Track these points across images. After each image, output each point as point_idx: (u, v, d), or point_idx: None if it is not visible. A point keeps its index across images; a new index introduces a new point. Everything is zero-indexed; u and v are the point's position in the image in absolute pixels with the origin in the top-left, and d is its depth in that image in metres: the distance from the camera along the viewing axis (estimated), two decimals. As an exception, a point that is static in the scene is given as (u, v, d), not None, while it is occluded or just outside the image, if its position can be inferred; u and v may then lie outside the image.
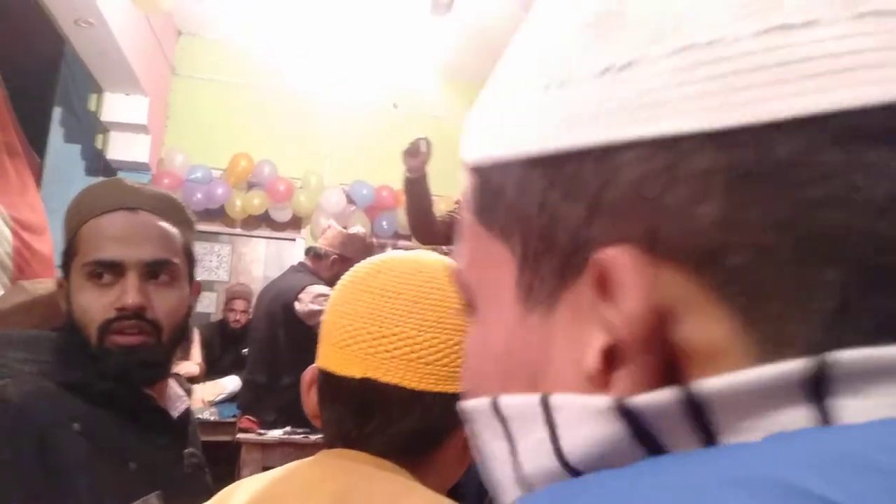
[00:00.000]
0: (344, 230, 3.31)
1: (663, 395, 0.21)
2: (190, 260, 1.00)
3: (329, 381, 0.63)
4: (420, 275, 0.62)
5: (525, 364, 0.26)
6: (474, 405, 0.29)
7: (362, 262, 0.67)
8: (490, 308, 0.28)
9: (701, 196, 0.21)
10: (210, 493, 0.69)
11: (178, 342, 0.97)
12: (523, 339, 0.26)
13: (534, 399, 0.24)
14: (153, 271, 0.92)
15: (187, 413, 1.00)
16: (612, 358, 0.22)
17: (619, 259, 0.22)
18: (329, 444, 0.64)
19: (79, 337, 0.90)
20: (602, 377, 0.22)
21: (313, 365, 0.66)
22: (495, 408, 0.26)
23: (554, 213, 0.24)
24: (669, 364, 0.21)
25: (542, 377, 0.25)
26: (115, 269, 0.90)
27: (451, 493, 0.68)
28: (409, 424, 0.60)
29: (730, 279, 0.20)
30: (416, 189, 2.57)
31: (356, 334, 0.60)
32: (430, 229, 2.72)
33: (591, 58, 0.23)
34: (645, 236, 0.22)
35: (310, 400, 0.67)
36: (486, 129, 0.28)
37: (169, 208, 1.00)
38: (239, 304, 4.28)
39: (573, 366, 0.23)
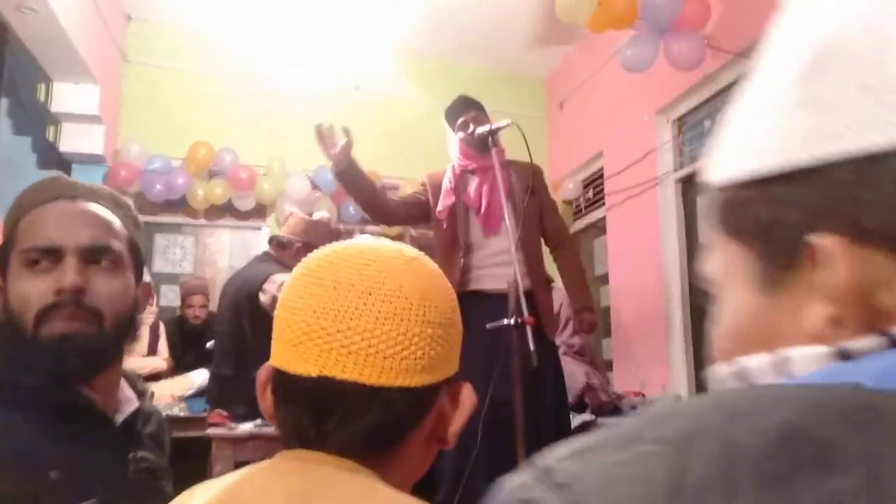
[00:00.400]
0: (307, 217, 3.25)
1: (871, 340, 0.30)
2: (135, 254, 0.95)
3: (283, 380, 0.59)
4: (374, 265, 0.59)
5: (760, 334, 0.35)
6: (717, 371, 0.37)
7: (312, 253, 0.63)
8: (732, 295, 0.37)
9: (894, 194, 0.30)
10: (164, 499, 0.65)
11: (123, 335, 0.90)
12: (758, 315, 0.35)
13: (770, 357, 0.33)
14: (93, 256, 0.87)
15: (136, 415, 0.94)
16: (830, 320, 0.32)
17: (833, 246, 0.31)
18: (286, 444, 0.61)
19: (14, 329, 0.84)
20: (824, 334, 0.32)
21: (267, 363, 0.63)
22: (738, 369, 0.35)
23: (780, 218, 0.34)
24: (873, 320, 0.31)
25: (774, 341, 0.34)
26: (53, 255, 0.85)
27: (420, 483, 0.66)
28: (370, 421, 0.57)
29: None
30: (348, 179, 2.54)
31: (309, 330, 0.57)
32: (384, 211, 2.68)
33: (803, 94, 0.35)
34: (850, 227, 0.31)
35: (265, 400, 0.64)
36: (730, 155, 0.38)
37: (111, 201, 0.96)
38: (197, 300, 4.19)
39: (799, 330, 0.33)
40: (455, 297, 0.64)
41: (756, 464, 0.23)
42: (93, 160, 4.40)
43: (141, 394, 0.98)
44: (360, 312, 0.56)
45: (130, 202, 1.02)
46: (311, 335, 0.57)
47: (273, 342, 0.61)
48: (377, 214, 2.68)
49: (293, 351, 0.58)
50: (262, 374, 0.64)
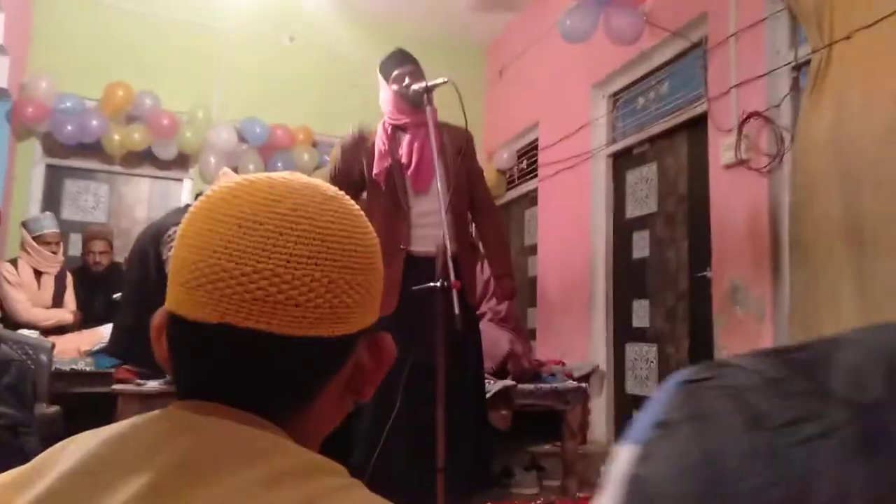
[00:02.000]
0: (241, 178, 3.12)
1: None
2: None
3: (180, 327, 0.53)
4: (286, 201, 0.52)
5: None
6: None
7: (216, 186, 0.56)
8: None
9: None
10: (25, 456, 0.58)
11: None
12: None
13: None
14: None
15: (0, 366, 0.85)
16: None
17: None
18: (181, 395, 0.54)
19: None
20: None
21: (162, 308, 0.56)
22: None
23: None
24: None
25: None
26: None
27: (335, 444, 0.61)
28: (276, 374, 0.51)
29: None
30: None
31: (209, 272, 0.50)
32: (351, 180, 2.56)
33: None
34: None
35: (160, 347, 0.57)
36: None
37: None
38: (97, 245, 3.94)
39: None
40: (376, 239, 0.58)
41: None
42: (-5, 93, 4.04)
43: (7, 341, 0.89)
44: (268, 254, 0.50)
45: None
46: (211, 277, 0.50)
47: (169, 285, 0.54)
48: (341, 186, 2.54)
49: (190, 295, 0.51)
50: (157, 318, 0.57)
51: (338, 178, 2.48)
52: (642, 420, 0.34)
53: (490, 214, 2.73)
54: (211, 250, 0.51)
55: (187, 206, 3.10)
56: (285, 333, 0.50)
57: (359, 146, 2.46)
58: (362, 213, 0.58)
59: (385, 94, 2.55)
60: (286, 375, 0.52)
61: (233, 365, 0.51)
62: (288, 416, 0.53)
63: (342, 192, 0.58)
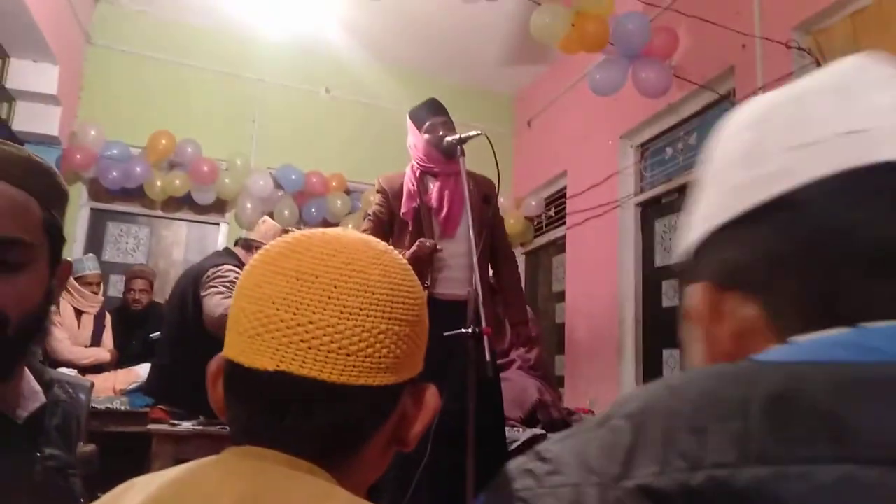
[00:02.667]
0: (281, 227, 3.23)
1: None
2: (53, 237, 0.84)
3: (237, 374, 0.56)
4: (339, 255, 0.56)
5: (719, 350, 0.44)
6: None
7: (275, 241, 0.60)
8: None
9: None
10: (75, 499, 0.60)
11: (30, 335, 0.81)
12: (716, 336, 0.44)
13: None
14: None
15: (43, 410, 0.86)
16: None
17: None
18: (235, 441, 0.57)
19: None
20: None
21: (220, 355, 0.59)
22: None
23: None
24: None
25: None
26: None
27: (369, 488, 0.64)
28: (329, 421, 0.54)
29: None
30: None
31: (268, 322, 0.54)
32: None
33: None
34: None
35: (216, 393, 0.60)
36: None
37: (28, 173, 0.81)
38: (138, 284, 4.07)
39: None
40: (423, 293, 0.62)
41: (686, 419, 0.33)
42: (47, 141, 4.24)
43: (47, 385, 0.89)
44: (323, 305, 0.53)
45: (53, 167, 0.88)
46: (270, 327, 0.54)
47: (227, 332, 0.58)
48: None
49: (250, 343, 0.54)
50: (214, 365, 0.60)
51: (378, 228, 2.56)
52: None
53: (509, 263, 2.78)
54: (270, 301, 0.55)
55: (227, 249, 3.20)
56: (337, 382, 0.53)
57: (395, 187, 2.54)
58: (410, 268, 0.62)
59: (415, 139, 2.63)
60: (337, 423, 0.54)
61: (287, 412, 0.54)
62: (337, 463, 0.55)
63: (391, 248, 0.62)
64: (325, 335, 0.53)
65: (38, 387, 0.87)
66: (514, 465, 0.39)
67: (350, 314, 0.54)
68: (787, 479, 0.29)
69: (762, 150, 0.42)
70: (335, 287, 0.54)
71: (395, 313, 0.57)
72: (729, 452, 0.30)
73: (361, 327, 0.54)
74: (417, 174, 2.61)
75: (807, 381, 0.32)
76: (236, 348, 0.56)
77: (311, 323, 0.53)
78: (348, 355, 0.54)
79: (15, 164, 0.80)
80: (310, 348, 0.53)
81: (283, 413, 0.54)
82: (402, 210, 2.55)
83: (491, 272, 2.77)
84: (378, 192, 2.70)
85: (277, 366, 0.53)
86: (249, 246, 3.08)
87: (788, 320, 0.38)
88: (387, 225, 2.61)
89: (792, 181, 0.39)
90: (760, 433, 0.30)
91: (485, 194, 2.59)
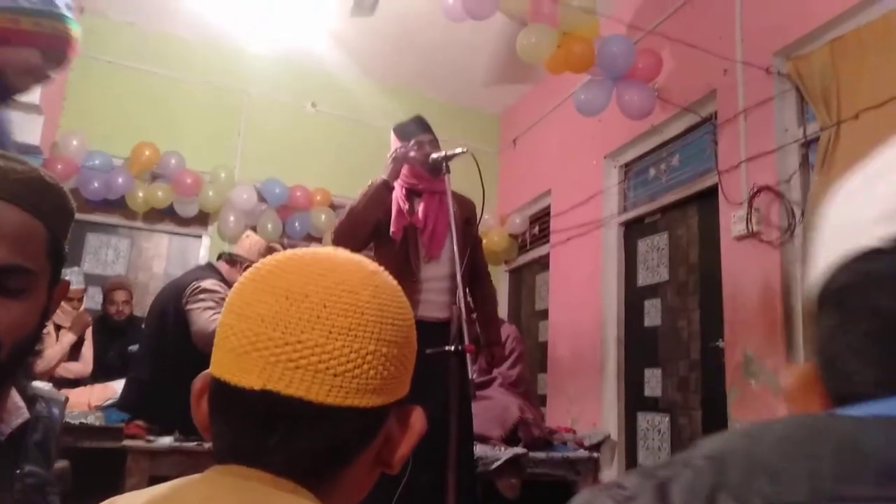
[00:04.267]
0: (265, 241, 3.21)
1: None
2: (55, 260, 0.83)
3: (223, 392, 0.55)
4: (330, 275, 0.56)
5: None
6: None
7: (265, 259, 0.59)
8: None
9: None
10: None
11: (21, 359, 0.81)
12: None
13: None
14: (1, 280, 0.76)
15: (26, 426, 0.85)
16: None
17: None
18: (219, 459, 0.56)
19: None
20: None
21: (205, 372, 0.59)
22: None
23: None
24: None
25: None
26: None
27: None
28: (315, 442, 0.53)
29: None
30: (383, 194, 2.44)
31: (256, 340, 0.53)
32: (365, 234, 2.57)
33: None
34: None
35: (200, 411, 0.59)
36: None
37: (37, 193, 0.80)
38: (119, 296, 4.01)
39: None
40: (412, 315, 0.62)
41: (763, 461, 0.35)
42: (28, 150, 4.18)
43: (30, 401, 0.88)
44: (311, 325, 0.53)
45: (61, 186, 0.87)
46: (258, 345, 0.53)
47: (214, 350, 0.57)
48: (359, 232, 2.52)
49: (237, 361, 0.54)
50: (199, 382, 0.59)
51: (359, 217, 2.48)
52: None
53: (486, 283, 2.78)
54: (259, 319, 0.54)
55: (210, 264, 3.17)
56: (324, 402, 0.52)
57: (388, 195, 2.48)
58: (400, 289, 0.62)
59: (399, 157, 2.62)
60: (322, 444, 0.54)
61: (273, 431, 0.53)
62: (321, 484, 0.55)
63: (382, 269, 0.62)
64: (312, 355, 0.53)
65: (21, 402, 0.86)
66: (591, 490, 0.41)
67: (339, 334, 0.54)
68: None
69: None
70: (325, 307, 0.54)
71: (384, 335, 0.56)
72: (801, 490, 0.33)
73: (350, 348, 0.54)
74: (404, 192, 2.61)
75: (874, 430, 0.34)
76: (223, 366, 0.55)
77: (299, 342, 0.53)
78: (335, 375, 0.53)
79: (25, 185, 0.79)
80: (297, 368, 0.53)
81: (269, 432, 0.53)
82: (392, 229, 2.54)
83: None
84: None
85: (264, 385, 0.53)
86: (234, 261, 3.06)
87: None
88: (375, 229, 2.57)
89: None
90: (830, 473, 0.33)
91: (467, 217, 2.59)
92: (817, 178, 2.69)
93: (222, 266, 3.06)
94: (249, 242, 3.13)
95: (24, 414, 0.85)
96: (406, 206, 2.55)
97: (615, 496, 0.39)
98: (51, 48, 1.83)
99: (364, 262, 0.60)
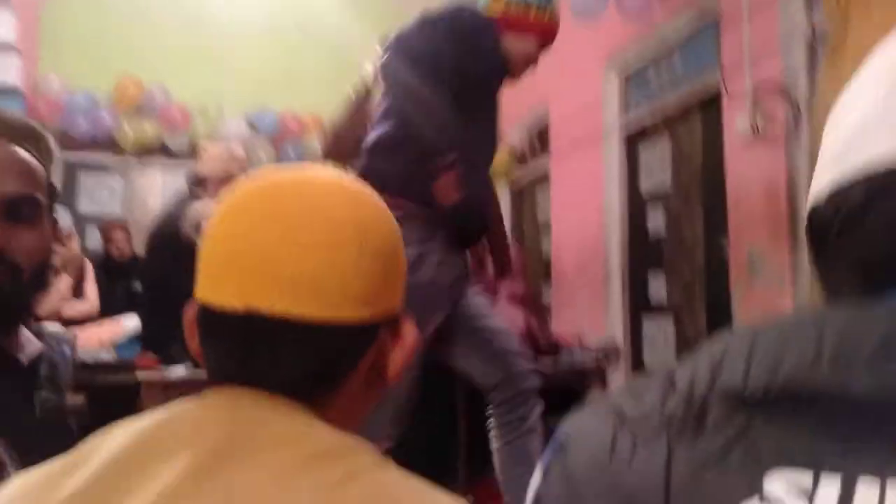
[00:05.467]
0: (226, 148, 3.13)
1: None
2: (51, 196, 0.92)
3: (207, 315, 0.55)
4: (307, 189, 0.55)
5: None
6: None
7: (242, 180, 0.58)
8: None
9: None
10: (71, 436, 0.61)
11: (38, 287, 0.89)
12: None
13: None
14: (15, 208, 0.84)
15: (39, 357, 0.92)
16: None
17: None
18: (212, 383, 0.56)
19: None
20: None
21: (192, 300, 0.58)
22: None
23: None
24: None
25: None
26: None
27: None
28: (304, 359, 0.53)
29: None
30: (367, 99, 2.36)
31: (235, 261, 0.53)
32: (350, 147, 2.51)
33: None
34: None
35: (193, 339, 0.59)
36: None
37: (29, 136, 0.90)
38: (118, 235, 4.02)
39: None
40: (397, 229, 0.60)
41: (768, 340, 0.37)
42: (8, 92, 4.07)
43: (38, 336, 0.95)
44: (290, 241, 0.52)
45: (47, 133, 0.96)
46: (236, 264, 0.52)
47: (198, 276, 0.57)
48: (344, 145, 2.42)
49: (217, 283, 0.53)
50: (189, 312, 0.59)
51: (339, 137, 2.42)
52: (547, 448, 0.44)
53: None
54: (236, 239, 0.54)
55: (189, 189, 3.08)
56: (307, 317, 0.52)
57: (364, 108, 2.41)
58: (383, 203, 0.60)
59: None
60: (311, 360, 0.54)
61: (260, 351, 0.53)
62: (316, 400, 0.54)
63: (364, 185, 0.60)
64: (293, 270, 0.52)
65: (32, 336, 0.93)
66: (616, 386, 0.45)
67: (318, 248, 0.53)
68: (855, 377, 0.33)
69: None
70: (301, 222, 0.53)
71: (366, 247, 0.55)
72: (804, 360, 0.34)
73: (331, 261, 0.53)
74: None
75: (873, 313, 0.36)
76: (205, 290, 0.55)
77: (276, 259, 0.52)
78: (318, 289, 0.52)
79: (19, 129, 0.90)
80: (277, 284, 0.52)
81: (255, 353, 0.53)
82: None
83: None
84: None
85: (246, 304, 0.52)
86: (202, 179, 3.00)
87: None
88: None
89: None
90: (833, 346, 0.34)
91: None
92: (824, 71, 2.60)
93: (195, 188, 3.01)
94: (210, 155, 3.06)
95: (38, 345, 0.93)
96: None
97: (627, 390, 0.42)
98: (545, 37, 1.97)
99: (343, 178, 0.59)
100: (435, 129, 1.70)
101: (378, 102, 1.94)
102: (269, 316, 0.52)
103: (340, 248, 0.53)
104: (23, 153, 0.87)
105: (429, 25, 1.74)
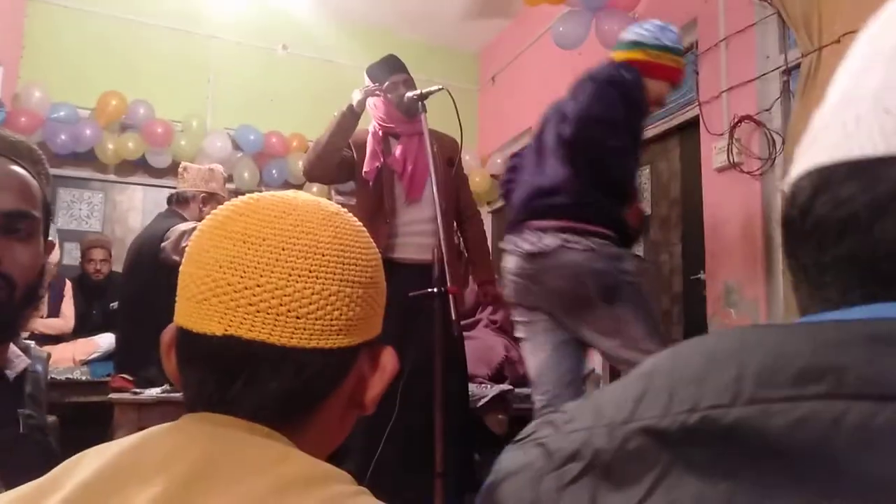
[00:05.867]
0: (202, 167, 3.14)
1: None
2: (47, 214, 0.94)
3: (187, 340, 0.55)
4: (288, 217, 0.54)
5: None
6: None
7: (223, 205, 0.58)
8: None
9: None
10: (51, 454, 0.60)
11: (30, 303, 0.89)
12: None
13: None
14: (12, 224, 0.85)
15: (24, 373, 0.92)
16: None
17: None
18: (190, 408, 0.56)
19: None
20: None
21: (172, 324, 0.58)
22: None
23: None
24: None
25: None
26: None
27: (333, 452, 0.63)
28: (281, 385, 0.53)
29: None
30: (353, 121, 2.43)
31: (214, 286, 0.52)
32: (334, 162, 2.53)
33: None
34: None
35: (170, 362, 0.59)
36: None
37: (29, 157, 0.92)
38: (97, 254, 3.97)
39: None
40: (378, 255, 0.61)
41: (689, 372, 0.36)
42: (-12, 104, 4.03)
43: (24, 350, 0.95)
44: (270, 268, 0.52)
45: (43, 156, 0.99)
46: (217, 291, 0.52)
47: (177, 300, 0.56)
48: (328, 163, 2.50)
49: (197, 308, 0.53)
50: (167, 334, 0.59)
51: (325, 146, 2.47)
52: (487, 480, 0.44)
53: (474, 221, 2.77)
54: (217, 265, 0.53)
55: (169, 210, 3.05)
56: (287, 345, 0.52)
57: (350, 131, 2.47)
58: (364, 229, 0.60)
59: (374, 99, 2.56)
60: (289, 387, 0.53)
61: (238, 376, 0.53)
62: (293, 428, 0.54)
63: (345, 210, 0.60)
64: (273, 298, 0.52)
65: (19, 351, 0.95)
66: (537, 420, 0.44)
67: (299, 276, 0.53)
68: (772, 414, 0.31)
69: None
70: (283, 249, 0.53)
71: (347, 275, 0.55)
72: (723, 396, 0.33)
73: (311, 289, 0.53)
74: (380, 135, 2.55)
75: (802, 334, 0.34)
76: (185, 314, 0.55)
77: (258, 286, 0.52)
78: (298, 318, 0.52)
79: (20, 149, 0.92)
80: (258, 311, 0.52)
81: (234, 378, 0.53)
82: (365, 169, 2.49)
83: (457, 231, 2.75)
84: None
85: (225, 330, 0.52)
86: (185, 198, 3.00)
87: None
88: (350, 167, 2.55)
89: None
90: (753, 379, 0.32)
91: (448, 156, 2.55)
92: (798, 105, 2.67)
93: (178, 207, 3.00)
94: (191, 174, 3.06)
95: (25, 360, 0.93)
96: (381, 148, 2.50)
97: (556, 420, 0.41)
98: (677, 79, 2.25)
99: (324, 203, 0.59)
100: (628, 175, 2.08)
101: (551, 143, 2.16)
102: (247, 341, 0.52)
103: (322, 276, 0.53)
104: (21, 171, 0.89)
105: (600, 91, 1.98)
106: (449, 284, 1.89)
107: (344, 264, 0.55)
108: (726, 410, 0.32)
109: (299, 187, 4.93)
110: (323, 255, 0.54)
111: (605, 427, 0.37)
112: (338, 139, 2.45)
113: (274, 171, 4.84)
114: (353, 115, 2.44)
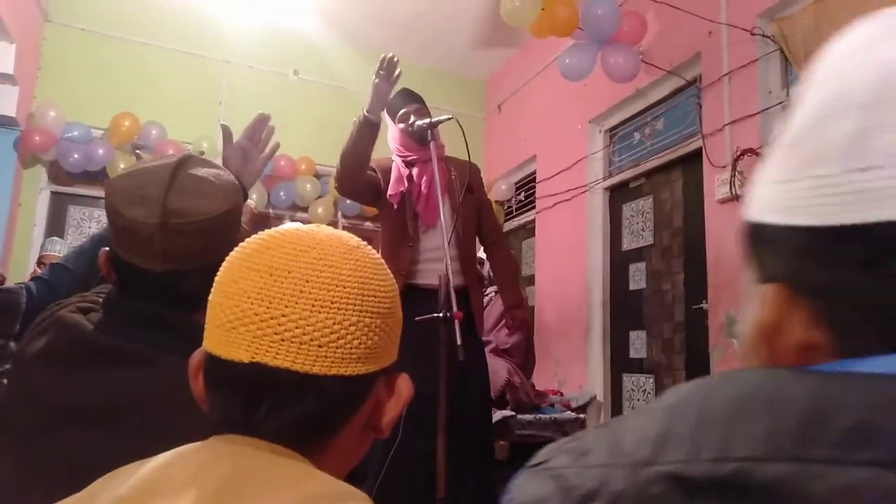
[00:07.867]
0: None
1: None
2: None
3: (215, 365, 0.58)
4: (311, 251, 0.58)
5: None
6: None
7: (250, 238, 0.62)
8: None
9: None
10: None
11: None
12: None
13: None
14: None
15: None
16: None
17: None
18: (217, 430, 0.59)
19: None
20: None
21: (200, 348, 0.61)
22: None
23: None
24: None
25: None
26: None
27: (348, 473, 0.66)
28: (302, 410, 0.57)
29: None
30: (372, 131, 2.41)
31: (242, 316, 0.56)
32: (360, 176, 2.53)
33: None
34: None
35: (197, 384, 0.62)
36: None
37: None
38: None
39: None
40: (395, 286, 0.64)
41: (718, 414, 0.34)
42: (4, 122, 4.12)
43: None
44: (295, 300, 0.56)
45: None
46: (245, 321, 0.56)
47: (206, 326, 0.60)
48: (354, 176, 2.49)
49: (226, 336, 0.57)
50: (195, 358, 0.62)
51: (371, 178, 2.51)
52: None
53: (499, 245, 2.77)
54: (245, 296, 0.57)
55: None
56: (309, 372, 0.56)
57: (373, 131, 2.44)
58: (382, 262, 0.64)
59: (392, 131, 2.62)
60: (311, 412, 0.57)
61: (263, 401, 0.56)
62: (313, 450, 0.58)
63: (364, 243, 0.64)
64: (297, 327, 0.56)
65: None
66: (553, 445, 0.42)
67: (321, 307, 0.56)
68: (811, 477, 0.29)
69: (867, 149, 0.35)
70: (307, 282, 0.57)
71: (366, 306, 0.59)
72: (758, 448, 0.31)
73: (333, 320, 0.56)
74: (402, 165, 2.61)
75: (843, 389, 0.32)
76: (214, 341, 0.58)
77: (283, 316, 0.56)
78: (320, 346, 0.56)
79: None
80: (283, 340, 0.55)
81: (259, 403, 0.56)
82: (390, 192, 2.54)
83: (483, 256, 2.77)
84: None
85: (252, 357, 0.56)
86: None
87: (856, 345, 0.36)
88: (377, 189, 2.58)
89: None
90: (790, 432, 0.31)
91: (467, 182, 2.57)
92: (800, 140, 2.71)
93: None
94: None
95: None
96: (406, 172, 2.55)
97: (571, 450, 0.40)
98: None
99: (345, 238, 0.62)
100: None
101: None
102: (272, 368, 0.55)
103: (342, 307, 0.57)
104: None
105: None
106: (455, 309, 1.92)
107: (363, 296, 0.59)
108: (763, 465, 0.31)
109: (305, 210, 4.99)
110: (344, 288, 0.57)
111: (624, 467, 0.35)
112: (356, 150, 2.45)
113: (282, 194, 4.90)
114: (367, 123, 2.43)
